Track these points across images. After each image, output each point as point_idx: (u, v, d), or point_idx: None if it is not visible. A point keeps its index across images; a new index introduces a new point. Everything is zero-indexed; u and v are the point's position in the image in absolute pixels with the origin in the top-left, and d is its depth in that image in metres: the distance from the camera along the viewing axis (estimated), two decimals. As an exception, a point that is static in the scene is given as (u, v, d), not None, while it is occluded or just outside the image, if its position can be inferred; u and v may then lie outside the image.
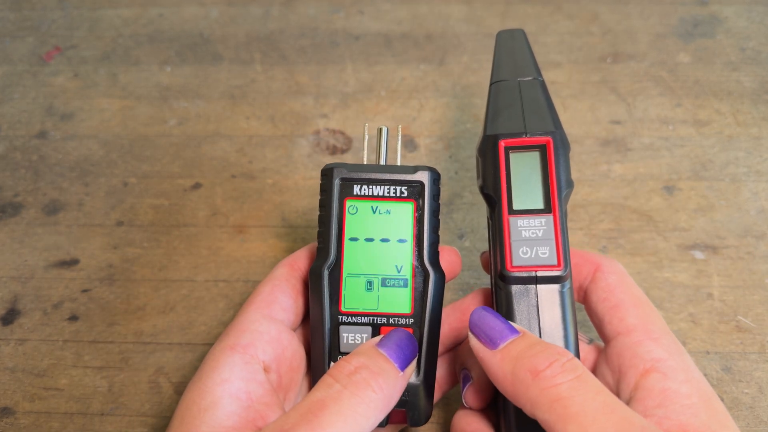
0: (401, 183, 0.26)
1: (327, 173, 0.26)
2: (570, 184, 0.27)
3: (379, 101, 0.46)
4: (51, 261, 0.38)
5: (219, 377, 0.23)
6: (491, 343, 0.23)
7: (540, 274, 0.25)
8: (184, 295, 0.36)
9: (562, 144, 0.27)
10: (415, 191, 0.26)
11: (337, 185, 0.26)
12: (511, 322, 0.24)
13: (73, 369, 0.34)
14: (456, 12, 0.52)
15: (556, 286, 0.25)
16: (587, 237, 0.38)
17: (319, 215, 0.26)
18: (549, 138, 0.26)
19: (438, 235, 0.26)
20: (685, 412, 0.22)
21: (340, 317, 0.25)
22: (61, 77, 0.49)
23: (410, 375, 0.24)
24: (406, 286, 0.26)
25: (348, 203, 0.26)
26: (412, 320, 0.25)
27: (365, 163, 0.28)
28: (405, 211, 0.26)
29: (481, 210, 0.39)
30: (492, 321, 0.23)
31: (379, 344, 0.23)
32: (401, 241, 0.26)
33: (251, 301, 0.27)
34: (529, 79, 0.30)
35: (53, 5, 0.55)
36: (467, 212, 0.39)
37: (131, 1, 0.54)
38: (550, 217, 0.26)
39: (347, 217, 0.26)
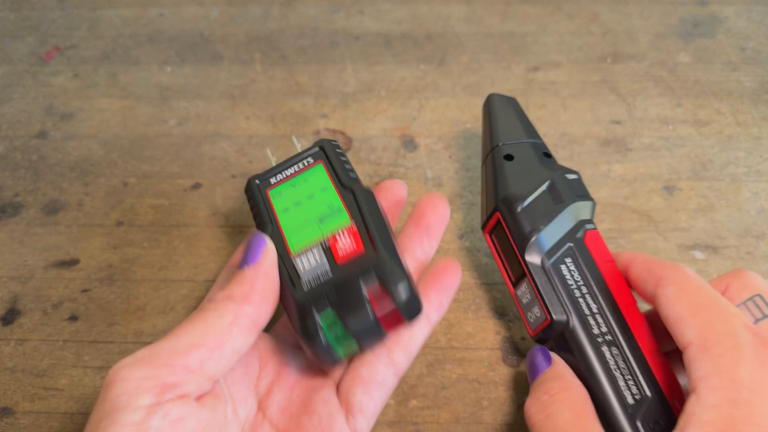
0: (305, 156, 0.31)
1: (248, 187, 0.31)
2: (534, 233, 0.29)
3: (379, 101, 0.46)
4: (51, 261, 0.38)
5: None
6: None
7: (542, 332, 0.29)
8: (185, 295, 0.36)
9: (510, 204, 0.30)
10: (319, 154, 0.31)
11: (257, 186, 0.31)
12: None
13: (73, 369, 0.34)
14: (456, 12, 0.52)
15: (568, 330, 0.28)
16: (587, 237, 0.38)
17: (254, 218, 0.30)
18: (496, 213, 0.29)
19: (351, 171, 0.30)
20: None
21: (292, 260, 0.27)
22: (60, 77, 0.49)
23: (268, 260, 0.26)
24: (340, 211, 0.28)
25: (270, 192, 0.30)
26: (354, 224, 0.27)
27: (271, 159, 0.33)
28: (318, 171, 0.30)
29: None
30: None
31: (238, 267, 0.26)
32: (324, 189, 0.29)
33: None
34: (502, 144, 0.33)
35: (53, 5, 0.55)
36: (467, 212, 0.39)
37: (131, 1, 0.54)
38: (526, 279, 0.29)
39: (273, 201, 0.30)
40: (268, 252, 0.26)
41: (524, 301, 0.30)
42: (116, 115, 0.46)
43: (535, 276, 0.29)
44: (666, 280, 0.25)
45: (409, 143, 0.43)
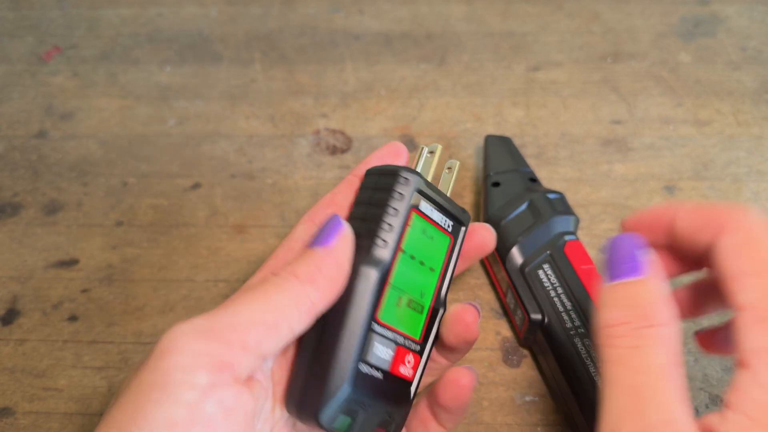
0: (452, 218, 0.27)
1: (400, 176, 0.25)
2: (514, 244, 0.33)
3: (379, 101, 0.46)
4: (50, 261, 0.38)
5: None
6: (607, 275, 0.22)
7: None
8: (184, 295, 0.36)
9: (494, 222, 0.34)
10: (456, 229, 0.27)
11: (411, 194, 0.25)
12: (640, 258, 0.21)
13: (72, 369, 0.34)
14: (456, 11, 0.52)
15: None
16: (588, 237, 0.37)
17: (385, 213, 0.25)
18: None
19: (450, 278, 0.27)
20: (730, 423, 0.18)
21: (373, 325, 0.24)
22: (60, 77, 0.49)
23: (344, 246, 0.24)
24: (422, 312, 0.26)
25: (413, 215, 0.25)
26: (419, 347, 0.25)
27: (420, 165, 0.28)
28: (443, 242, 0.26)
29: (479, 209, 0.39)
30: (619, 251, 0.22)
31: (309, 244, 0.24)
32: (432, 269, 0.26)
33: (276, 267, 0.25)
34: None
35: (52, 5, 0.54)
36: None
37: (130, 1, 0.54)
38: (509, 285, 0.33)
39: (408, 229, 0.25)
40: (343, 238, 0.24)
41: (511, 306, 0.33)
42: (115, 115, 0.46)
43: (515, 281, 0.32)
44: (731, 226, 0.21)
45: (410, 143, 0.43)
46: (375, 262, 0.24)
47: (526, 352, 0.33)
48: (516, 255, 0.33)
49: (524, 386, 0.32)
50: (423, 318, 0.25)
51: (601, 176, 0.40)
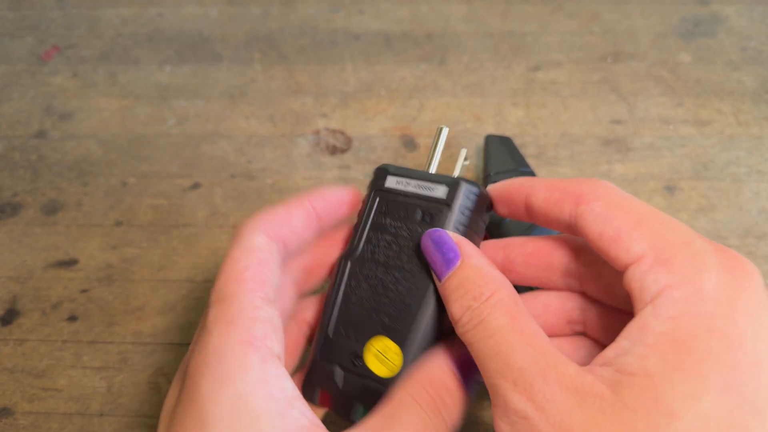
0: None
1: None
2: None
3: (379, 101, 0.46)
4: (50, 261, 0.38)
5: (254, 378, 0.20)
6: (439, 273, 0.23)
7: None
8: (184, 295, 0.36)
9: (496, 222, 0.34)
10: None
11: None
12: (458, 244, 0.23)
13: (72, 369, 0.33)
14: (456, 11, 0.52)
15: None
16: (588, 237, 0.37)
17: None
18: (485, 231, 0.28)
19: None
20: (640, 357, 0.18)
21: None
22: (60, 77, 0.49)
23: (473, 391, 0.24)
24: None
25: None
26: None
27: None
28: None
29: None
30: (437, 250, 0.23)
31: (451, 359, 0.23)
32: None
33: (239, 276, 0.22)
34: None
35: (52, 5, 0.54)
36: (467, 212, 0.39)
37: (130, 1, 0.54)
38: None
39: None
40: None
41: None
42: (115, 115, 0.46)
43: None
44: (589, 195, 0.22)
45: (409, 143, 0.43)
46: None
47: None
48: None
49: (524, 386, 0.32)
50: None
51: (601, 176, 0.40)
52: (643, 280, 0.20)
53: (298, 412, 0.20)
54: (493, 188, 0.26)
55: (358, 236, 0.26)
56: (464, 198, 0.25)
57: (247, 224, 0.24)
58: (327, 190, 0.27)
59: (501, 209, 0.26)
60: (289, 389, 0.21)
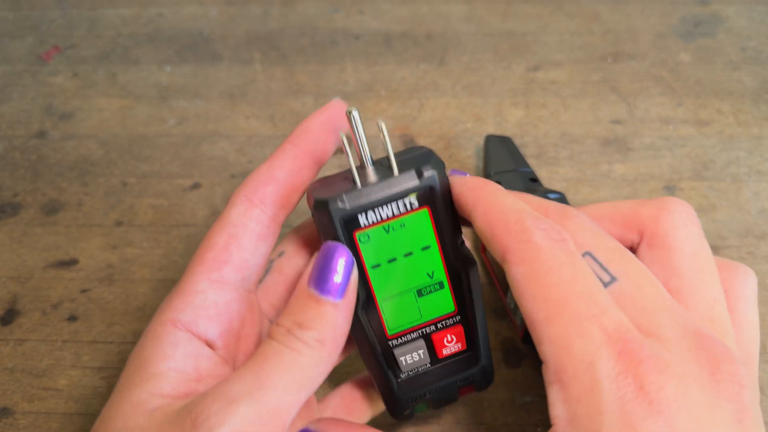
0: (408, 193, 0.23)
1: (321, 207, 0.22)
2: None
3: (379, 101, 0.46)
4: (50, 261, 0.38)
5: (162, 352, 0.21)
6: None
7: None
8: (184, 295, 0.36)
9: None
10: (425, 197, 0.23)
11: (341, 225, 0.22)
12: None
13: (72, 369, 0.34)
14: (456, 11, 0.52)
15: None
16: (588, 237, 0.37)
17: None
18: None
19: (459, 228, 0.24)
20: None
21: (389, 342, 0.25)
22: (60, 77, 0.49)
23: (352, 298, 0.22)
24: (442, 287, 0.24)
25: (357, 235, 0.23)
26: (459, 317, 0.25)
27: (353, 168, 0.23)
28: (421, 220, 0.23)
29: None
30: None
31: (309, 281, 0.22)
32: (425, 248, 0.24)
33: (201, 257, 0.22)
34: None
35: (52, 5, 0.54)
36: (467, 212, 0.39)
37: (130, 1, 0.54)
38: None
39: (362, 248, 0.23)
40: (354, 286, 0.22)
41: (511, 305, 0.33)
42: (115, 115, 0.46)
43: None
44: (512, 254, 0.19)
45: (410, 143, 0.43)
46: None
47: (526, 352, 0.33)
48: None
49: (524, 387, 0.32)
50: (446, 291, 0.24)
51: (601, 176, 0.40)
52: (548, 391, 0.18)
53: (202, 385, 0.21)
54: (454, 184, 0.23)
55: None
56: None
57: (232, 194, 0.24)
58: (308, 122, 0.24)
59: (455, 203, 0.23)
60: (204, 365, 0.22)
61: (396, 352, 0.25)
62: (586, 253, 0.20)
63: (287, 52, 0.49)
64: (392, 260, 0.23)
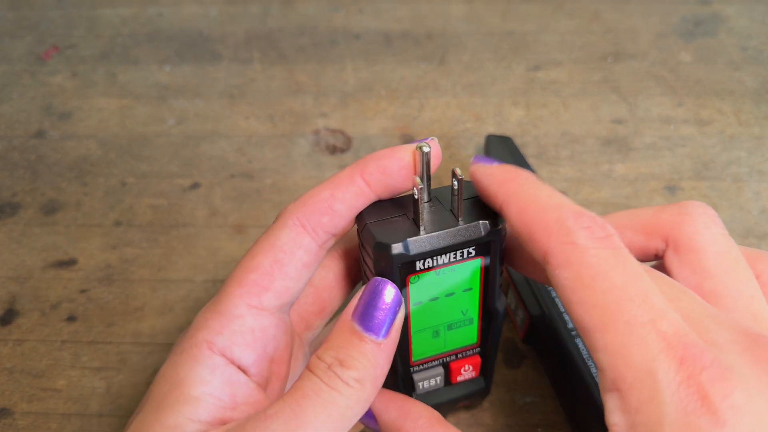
0: (468, 245, 0.22)
1: (382, 251, 0.21)
2: None
3: (379, 100, 0.45)
4: (49, 261, 0.38)
5: (198, 376, 0.21)
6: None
7: None
8: (183, 295, 0.36)
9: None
10: (482, 248, 0.23)
11: (397, 268, 0.22)
12: None
13: (71, 370, 0.33)
14: (456, 11, 0.52)
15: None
16: (588, 237, 0.37)
17: None
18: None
19: (502, 272, 0.24)
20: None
21: (411, 369, 0.26)
22: (59, 76, 0.49)
23: (396, 337, 0.21)
24: (471, 323, 0.25)
25: (411, 279, 0.23)
26: (479, 349, 0.26)
27: (420, 213, 0.22)
28: (471, 268, 0.23)
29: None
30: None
31: (353, 316, 0.21)
32: (467, 290, 0.24)
33: (242, 278, 0.22)
34: None
35: (52, 4, 0.54)
36: (468, 212, 0.39)
37: (130, 1, 0.54)
38: (510, 286, 0.33)
39: (411, 288, 0.23)
40: (399, 326, 0.21)
41: (512, 305, 0.33)
42: (115, 115, 0.46)
43: (516, 280, 0.32)
44: (555, 258, 0.18)
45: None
46: None
47: (526, 353, 0.33)
48: None
49: (525, 387, 0.32)
50: (475, 326, 0.25)
51: (602, 176, 0.40)
52: (604, 398, 0.17)
53: (238, 413, 0.21)
54: (478, 173, 0.22)
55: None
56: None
57: (284, 211, 0.23)
58: (387, 161, 0.22)
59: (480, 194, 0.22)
60: (240, 392, 0.21)
61: (415, 377, 0.26)
62: None
63: (287, 52, 0.49)
64: (434, 299, 0.23)
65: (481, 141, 0.41)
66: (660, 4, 0.51)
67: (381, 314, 0.21)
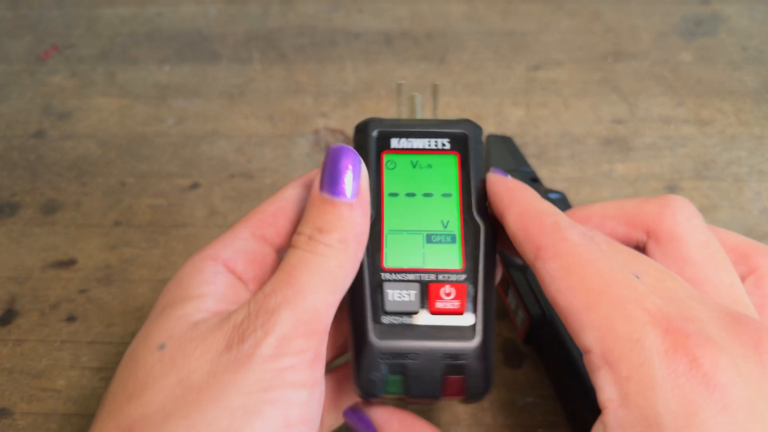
0: (443, 135, 0.25)
1: (362, 127, 0.25)
2: None
3: (379, 100, 0.45)
4: (48, 261, 0.38)
5: (203, 279, 0.22)
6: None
7: None
8: (183, 295, 0.36)
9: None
10: (458, 143, 0.24)
11: (374, 138, 0.24)
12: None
13: (71, 370, 0.33)
14: (456, 10, 0.51)
15: None
16: (589, 237, 0.37)
17: None
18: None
19: (485, 195, 0.24)
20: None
21: (382, 275, 0.23)
22: (58, 76, 0.48)
23: (366, 194, 0.22)
24: (454, 241, 0.23)
25: (386, 157, 0.24)
26: (464, 275, 0.23)
27: (401, 111, 0.26)
28: (448, 164, 0.24)
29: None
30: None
31: (321, 188, 0.22)
32: (446, 195, 0.24)
33: (247, 217, 0.24)
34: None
35: (51, 4, 0.54)
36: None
37: (129, 0, 0.54)
38: (510, 285, 0.32)
39: (386, 172, 0.24)
40: (365, 182, 0.22)
41: (512, 306, 0.33)
42: (114, 115, 0.46)
43: (516, 280, 0.32)
44: (546, 251, 0.20)
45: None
46: None
47: (527, 353, 0.33)
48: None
49: (525, 388, 0.32)
50: (458, 247, 0.23)
51: (603, 176, 0.40)
52: (594, 378, 0.18)
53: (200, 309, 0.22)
54: (492, 181, 0.24)
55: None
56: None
57: (290, 182, 0.26)
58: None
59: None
60: (242, 296, 0.22)
61: (386, 285, 0.23)
62: None
63: (286, 52, 0.49)
64: (411, 194, 0.24)
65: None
66: (660, 4, 0.51)
67: (344, 175, 0.22)
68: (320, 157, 0.42)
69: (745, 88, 0.45)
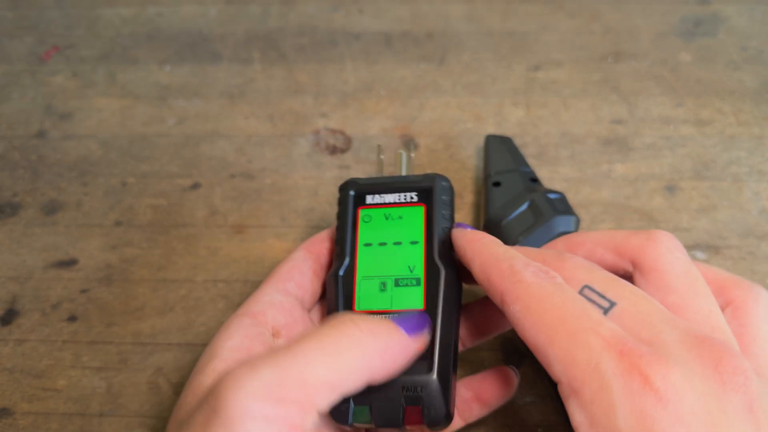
0: (411, 188, 0.28)
1: (343, 187, 0.29)
2: (515, 244, 0.32)
3: (379, 100, 0.46)
4: (49, 261, 0.38)
5: (226, 335, 0.25)
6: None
7: None
8: (183, 295, 0.36)
9: (495, 222, 0.34)
10: (424, 195, 0.28)
11: (352, 197, 0.29)
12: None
13: (71, 370, 0.33)
14: (457, 10, 0.52)
15: None
16: (588, 237, 0.37)
17: (336, 226, 0.29)
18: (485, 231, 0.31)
19: (450, 242, 0.27)
20: None
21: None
22: (59, 77, 0.49)
23: (421, 343, 0.24)
24: (418, 284, 0.26)
25: (361, 212, 0.28)
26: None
27: (381, 169, 0.31)
28: (416, 214, 0.28)
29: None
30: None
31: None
32: (413, 242, 0.27)
33: (267, 278, 0.28)
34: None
35: (51, 4, 0.54)
36: (468, 212, 0.39)
37: (130, 0, 0.54)
38: None
39: (360, 225, 0.28)
40: (423, 339, 0.24)
41: None
42: (115, 115, 0.46)
43: None
44: (508, 296, 0.22)
45: (410, 142, 0.43)
46: (334, 270, 0.27)
47: (526, 353, 0.33)
48: None
49: (525, 388, 0.32)
50: (420, 289, 0.26)
51: (602, 176, 0.40)
52: (566, 406, 0.20)
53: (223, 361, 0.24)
54: (456, 236, 0.27)
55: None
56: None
57: (295, 249, 0.30)
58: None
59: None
60: (257, 348, 0.25)
61: None
62: (585, 286, 0.22)
63: (287, 52, 0.49)
64: (383, 244, 0.27)
65: (481, 141, 0.41)
66: (660, 4, 0.51)
67: (413, 322, 0.24)
68: (320, 158, 0.42)
69: (744, 89, 0.45)
